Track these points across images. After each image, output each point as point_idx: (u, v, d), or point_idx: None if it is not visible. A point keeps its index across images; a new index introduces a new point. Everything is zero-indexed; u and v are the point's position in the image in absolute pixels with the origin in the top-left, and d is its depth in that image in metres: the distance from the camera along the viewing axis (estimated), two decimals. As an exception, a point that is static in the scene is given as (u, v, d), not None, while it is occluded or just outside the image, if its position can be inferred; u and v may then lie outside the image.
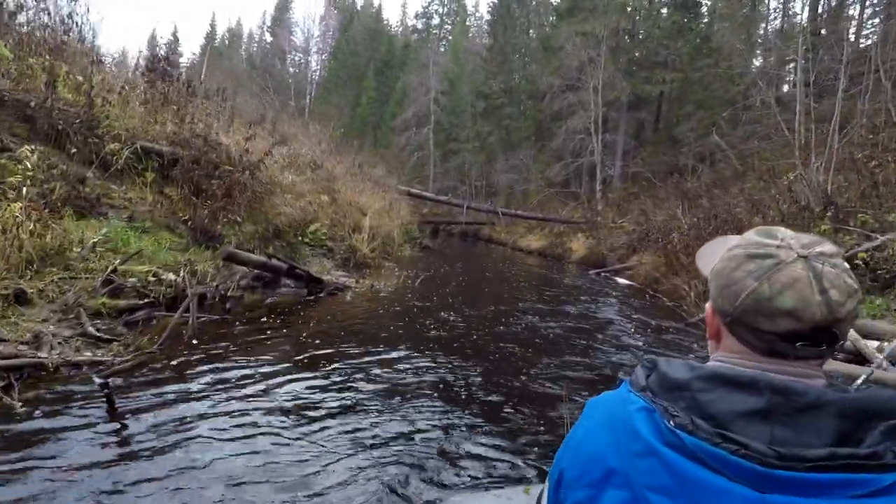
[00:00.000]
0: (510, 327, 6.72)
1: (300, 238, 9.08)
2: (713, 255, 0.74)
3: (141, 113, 6.88)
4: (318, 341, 4.77)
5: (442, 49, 42.72)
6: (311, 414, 3.34)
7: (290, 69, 54.68)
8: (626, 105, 24.23)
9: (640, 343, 7.00)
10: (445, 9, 45.92)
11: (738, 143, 21.73)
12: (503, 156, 29.51)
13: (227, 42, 57.59)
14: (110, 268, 4.14)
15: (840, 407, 0.57)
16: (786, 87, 25.18)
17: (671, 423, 0.58)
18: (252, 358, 4.05)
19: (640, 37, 24.58)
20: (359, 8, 54.68)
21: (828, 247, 0.64)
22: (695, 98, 23.24)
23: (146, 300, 4.26)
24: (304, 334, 4.92)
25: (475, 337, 5.89)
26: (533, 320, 7.48)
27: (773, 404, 0.58)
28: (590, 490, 0.63)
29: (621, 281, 13.20)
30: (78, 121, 6.10)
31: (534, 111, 28.10)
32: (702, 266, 0.79)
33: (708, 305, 0.72)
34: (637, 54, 24.53)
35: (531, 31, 33.76)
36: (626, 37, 24.36)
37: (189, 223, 6.33)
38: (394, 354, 4.78)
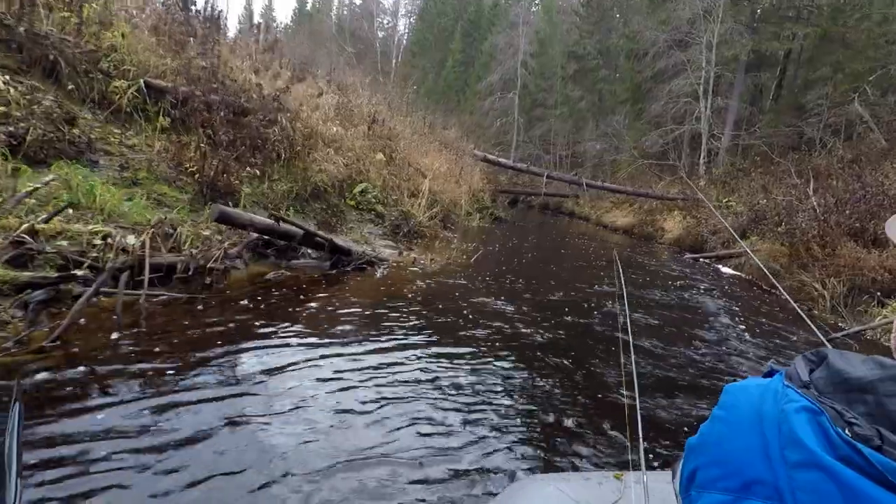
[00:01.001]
0: (581, 318, 5.15)
1: (344, 199, 7.90)
2: None
3: (152, 44, 5.84)
4: (300, 339, 3.43)
5: (533, 8, 39.66)
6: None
7: (379, 33, 53.94)
8: (745, 66, 20.68)
9: (756, 351, 5.31)
10: (540, -35, 42.44)
11: (887, 115, 17.89)
12: (593, 122, 26.84)
13: (317, 6, 57.65)
14: (25, 226, 3.08)
15: None
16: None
17: (847, 431, 0.46)
18: (189, 363, 2.79)
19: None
20: (450, -34, 52.28)
21: None
22: (833, 58, 19.26)
23: (74, 271, 3.17)
24: (289, 325, 3.59)
25: (532, 332, 4.40)
26: (612, 310, 5.84)
27: None
28: (728, 496, 0.52)
29: (725, 270, 10.96)
30: (77, 51, 5.14)
31: (632, 72, 25.02)
32: None
33: None
34: (764, 4, 20.71)
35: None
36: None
37: (196, 176, 5.26)
38: (414, 360, 3.43)
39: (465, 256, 7.63)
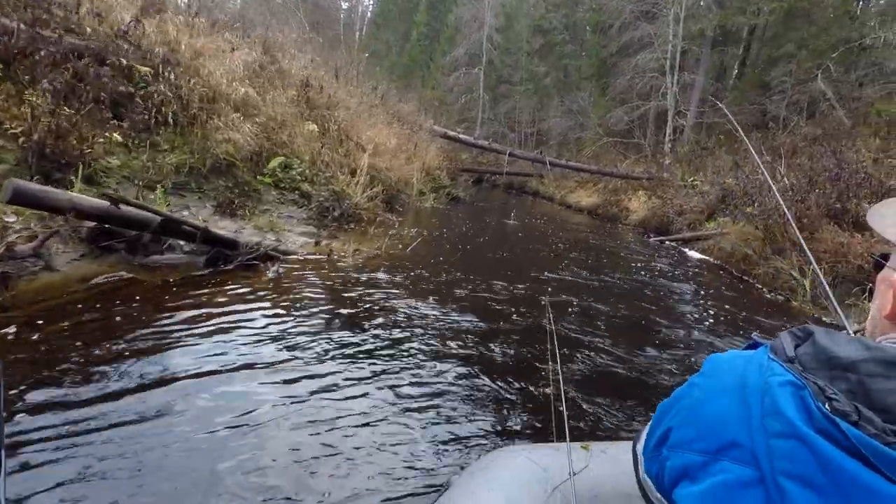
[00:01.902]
0: (521, 320, 4.04)
1: (257, 176, 6.51)
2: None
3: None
4: (58, 409, 2.01)
5: (501, -18, 37.77)
6: None
7: (343, 3, 51.08)
8: (711, 41, 19.72)
9: (725, 348, 4.25)
10: (508, -64, 40.31)
11: (850, 92, 17.30)
12: (559, 99, 25.64)
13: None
14: None
15: None
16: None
17: (827, 406, 0.48)
18: None
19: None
20: (416, -63, 49.51)
21: None
22: (798, 35, 18.46)
23: None
24: (59, 377, 2.18)
25: (450, 345, 3.25)
26: (565, 299, 4.81)
27: None
28: (701, 457, 0.54)
29: (692, 254, 10.04)
30: None
31: (598, 46, 23.85)
32: (879, 227, 0.64)
33: (893, 276, 0.60)
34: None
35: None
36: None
37: (22, 140, 3.83)
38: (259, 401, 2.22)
39: (401, 245, 6.37)
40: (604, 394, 2.91)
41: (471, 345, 3.36)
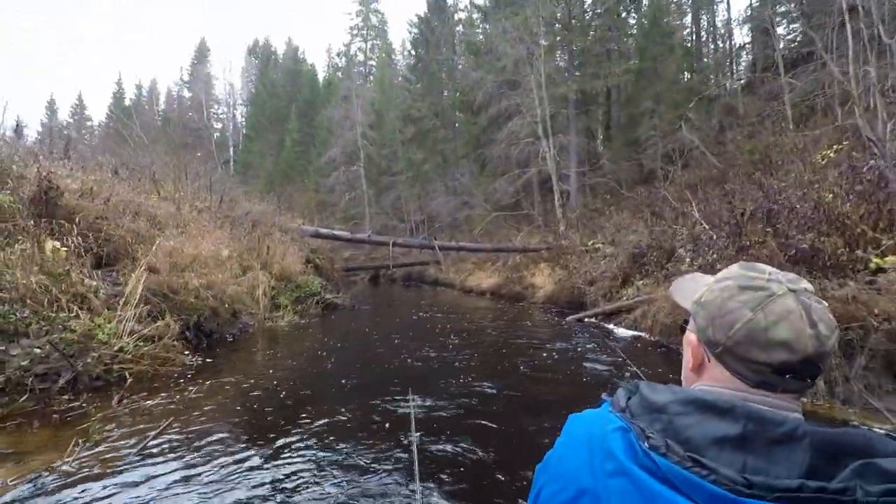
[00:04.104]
0: None
1: None
2: (690, 289, 0.72)
3: None
4: None
5: (369, 85, 37.73)
6: None
7: (215, 124, 48.89)
8: (574, 104, 19.38)
9: None
10: (369, 44, 41.23)
11: (715, 137, 17.28)
12: (441, 182, 24.27)
13: (142, 99, 51.13)
14: None
15: (815, 441, 0.54)
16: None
17: (646, 444, 0.56)
18: None
19: (580, 26, 19.94)
20: (280, 53, 49.65)
21: (808, 284, 0.62)
22: (652, 91, 18.57)
23: None
24: None
25: None
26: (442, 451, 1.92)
27: (747, 432, 0.55)
28: None
29: (620, 331, 7.74)
30: None
31: (468, 124, 23.09)
32: (679, 299, 0.76)
33: (693, 337, 0.68)
34: (576, 46, 19.86)
35: (457, 39, 29.02)
36: (564, 28, 19.68)
37: None
38: None
39: (135, 448, 3.16)
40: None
41: None
